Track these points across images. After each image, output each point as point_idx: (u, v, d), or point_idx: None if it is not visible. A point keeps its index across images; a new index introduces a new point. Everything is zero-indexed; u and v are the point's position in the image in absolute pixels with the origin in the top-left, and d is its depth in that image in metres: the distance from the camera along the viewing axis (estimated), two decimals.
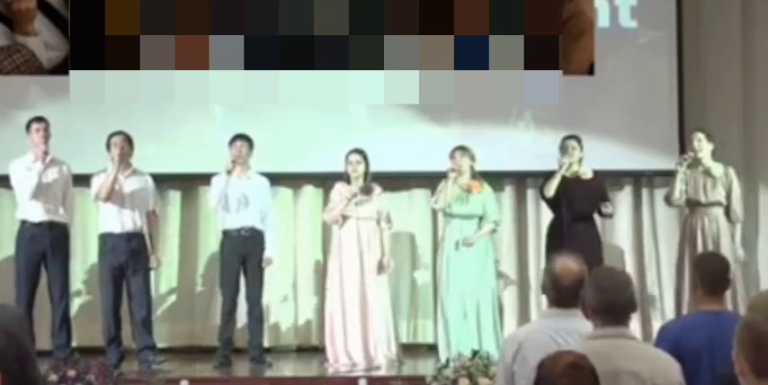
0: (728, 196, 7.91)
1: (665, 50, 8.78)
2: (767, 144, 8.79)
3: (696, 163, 7.89)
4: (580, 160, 7.90)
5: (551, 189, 7.77)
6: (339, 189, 7.83)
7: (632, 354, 3.32)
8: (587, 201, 7.83)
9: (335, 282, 7.74)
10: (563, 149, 7.86)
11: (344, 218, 7.76)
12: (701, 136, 7.89)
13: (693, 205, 7.91)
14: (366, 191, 7.76)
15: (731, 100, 8.86)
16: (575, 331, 3.57)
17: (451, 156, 7.77)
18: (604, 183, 8.16)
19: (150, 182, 7.90)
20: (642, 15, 8.81)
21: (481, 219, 7.80)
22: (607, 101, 8.79)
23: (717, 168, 7.89)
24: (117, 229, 7.65)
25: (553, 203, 7.89)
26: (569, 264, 3.71)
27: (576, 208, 7.77)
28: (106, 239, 7.69)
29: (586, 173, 7.90)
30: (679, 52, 8.76)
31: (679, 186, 7.83)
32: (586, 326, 3.65)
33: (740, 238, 8.07)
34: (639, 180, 8.93)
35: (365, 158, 7.77)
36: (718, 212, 7.87)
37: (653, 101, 8.75)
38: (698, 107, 8.85)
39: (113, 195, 7.61)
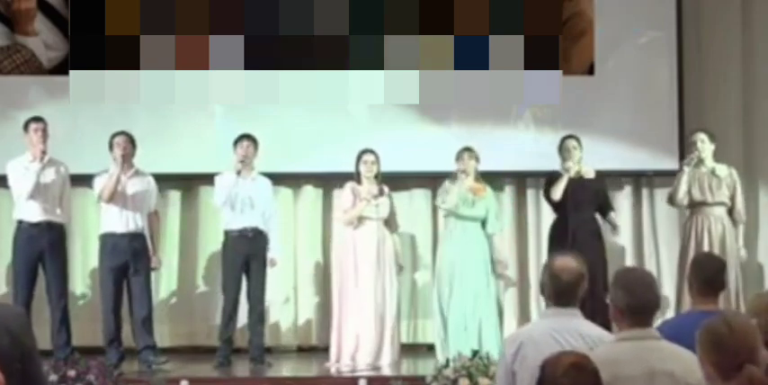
0: (733, 197, 7.91)
1: (665, 50, 8.78)
2: (767, 144, 8.79)
3: (699, 163, 7.89)
4: (579, 159, 7.90)
5: (558, 192, 7.76)
6: (353, 189, 7.77)
7: (664, 355, 3.32)
8: (591, 202, 7.85)
9: (350, 283, 7.68)
10: (564, 150, 7.86)
11: (360, 218, 7.73)
12: (703, 136, 7.90)
13: (697, 205, 7.89)
14: (380, 192, 7.75)
15: (731, 100, 8.86)
16: (574, 331, 3.55)
17: (459, 157, 7.74)
18: (606, 183, 8.17)
19: (152, 182, 7.90)
20: (642, 15, 8.82)
21: (483, 222, 7.80)
22: (607, 101, 8.78)
23: (721, 168, 7.92)
24: (119, 230, 7.64)
25: (558, 205, 7.89)
26: (568, 260, 3.68)
27: (581, 208, 7.77)
28: (108, 239, 7.68)
29: (588, 172, 7.89)
30: (679, 52, 8.76)
31: (684, 187, 7.83)
32: (586, 325, 3.64)
33: (743, 239, 8.07)
34: (639, 180, 8.93)
35: (378, 158, 7.77)
36: (722, 212, 7.87)
37: (653, 101, 8.75)
38: (698, 107, 8.85)
39: (116, 196, 7.61)
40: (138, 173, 7.80)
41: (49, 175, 7.63)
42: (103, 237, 7.72)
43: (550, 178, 7.89)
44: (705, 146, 7.90)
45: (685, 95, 8.76)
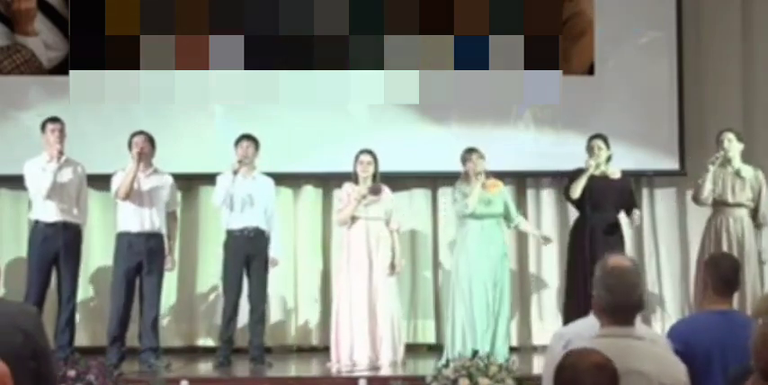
0: (757, 199, 7.85)
1: (665, 50, 8.79)
2: (767, 144, 8.79)
3: (725, 163, 7.85)
4: (609, 158, 7.86)
5: (577, 191, 7.71)
6: (348, 189, 7.79)
7: (640, 354, 3.31)
8: (614, 201, 7.82)
9: (344, 283, 7.70)
10: (590, 150, 7.83)
11: (353, 218, 7.73)
12: (731, 136, 7.84)
13: (719, 205, 7.84)
14: (375, 191, 7.74)
15: (731, 100, 8.87)
16: None
17: (467, 158, 7.66)
18: (631, 183, 8.16)
19: (171, 182, 7.87)
20: (642, 15, 8.82)
21: (504, 217, 7.79)
22: (607, 101, 8.79)
23: (747, 170, 7.87)
24: (135, 228, 7.61)
25: (579, 203, 7.87)
26: (622, 259, 3.68)
27: (601, 207, 7.74)
28: (123, 238, 7.64)
29: (615, 173, 7.87)
30: (679, 52, 8.77)
31: (709, 186, 7.77)
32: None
33: (764, 242, 8.05)
34: (639, 180, 8.92)
35: (375, 159, 7.76)
36: (743, 214, 7.80)
37: (653, 101, 8.75)
38: (698, 107, 8.85)
39: (132, 194, 7.59)
40: (156, 172, 7.79)
41: (66, 175, 7.62)
42: (120, 235, 7.68)
43: (573, 175, 7.85)
44: (732, 145, 7.83)
45: (685, 95, 8.77)
